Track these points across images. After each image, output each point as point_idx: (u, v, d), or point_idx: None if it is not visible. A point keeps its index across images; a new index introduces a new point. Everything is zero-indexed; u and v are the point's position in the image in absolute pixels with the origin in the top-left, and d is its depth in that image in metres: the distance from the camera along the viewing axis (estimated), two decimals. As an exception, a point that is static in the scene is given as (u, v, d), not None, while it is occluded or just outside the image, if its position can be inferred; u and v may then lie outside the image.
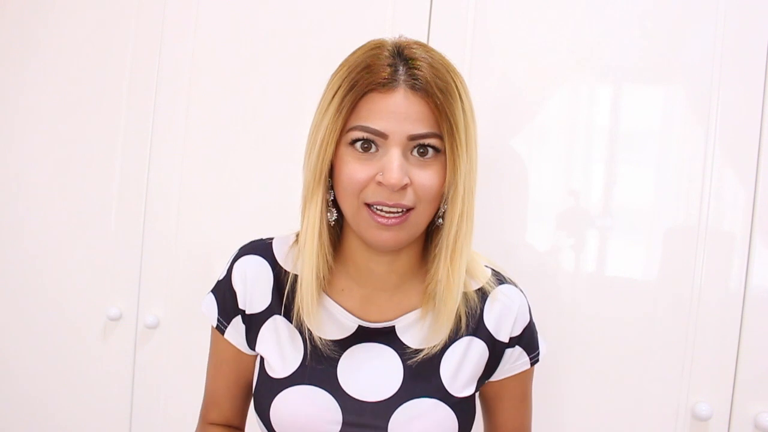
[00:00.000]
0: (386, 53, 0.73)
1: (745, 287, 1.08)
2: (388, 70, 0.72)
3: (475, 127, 0.77)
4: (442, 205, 0.78)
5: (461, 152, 0.74)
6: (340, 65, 0.77)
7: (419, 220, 0.76)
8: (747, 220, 1.08)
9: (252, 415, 0.89)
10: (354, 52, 0.77)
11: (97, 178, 1.37)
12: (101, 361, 1.36)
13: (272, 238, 0.87)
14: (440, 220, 0.79)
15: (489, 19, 1.18)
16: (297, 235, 0.86)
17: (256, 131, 1.29)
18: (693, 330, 1.10)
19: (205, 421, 0.89)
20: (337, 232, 0.82)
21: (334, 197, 0.78)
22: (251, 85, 1.29)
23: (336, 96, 0.74)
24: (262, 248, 0.86)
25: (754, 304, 1.07)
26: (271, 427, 0.79)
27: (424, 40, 1.19)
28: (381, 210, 0.73)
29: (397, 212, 0.73)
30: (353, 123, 0.73)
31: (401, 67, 0.72)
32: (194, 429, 0.91)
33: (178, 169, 1.32)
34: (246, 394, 0.89)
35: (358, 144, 0.73)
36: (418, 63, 0.72)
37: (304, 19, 1.26)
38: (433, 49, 0.76)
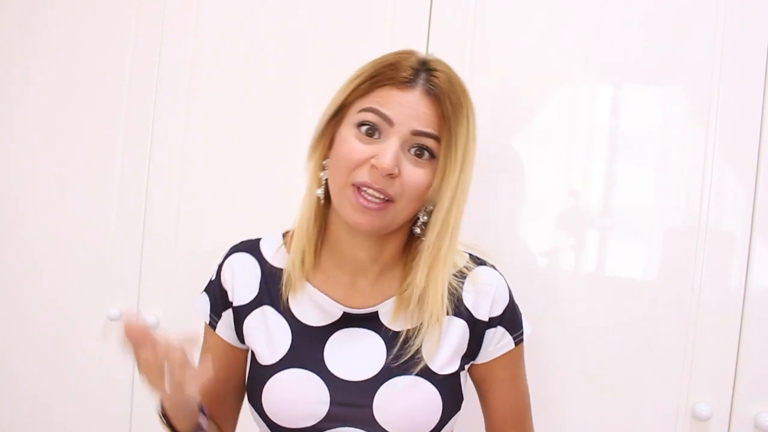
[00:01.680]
0: (413, 59, 0.80)
1: (745, 287, 1.08)
2: (410, 71, 0.78)
3: (474, 155, 0.82)
4: (421, 214, 0.82)
5: (455, 167, 0.78)
6: (368, 62, 0.83)
7: (398, 214, 0.79)
8: (747, 219, 1.08)
9: (244, 413, 0.90)
10: (384, 54, 0.83)
11: (97, 178, 1.37)
12: (101, 361, 1.36)
13: (260, 238, 0.92)
14: (417, 230, 0.83)
15: (489, 19, 1.18)
16: (284, 235, 0.91)
17: (256, 131, 1.29)
18: (693, 330, 1.10)
19: None
20: (324, 216, 0.86)
21: (327, 179, 0.83)
22: (251, 85, 1.29)
23: (356, 79, 0.81)
24: (250, 246, 0.91)
25: (755, 304, 1.07)
26: (264, 413, 0.82)
27: (424, 40, 1.19)
28: (366, 191, 0.77)
29: (379, 198, 0.77)
30: (365, 105, 0.78)
31: (422, 74, 0.79)
32: None
33: (178, 169, 1.32)
34: (229, 393, 0.91)
35: (364, 128, 0.78)
36: (438, 74, 0.79)
37: (303, 19, 1.26)
38: (456, 73, 0.82)
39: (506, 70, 1.18)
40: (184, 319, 1.31)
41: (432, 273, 0.81)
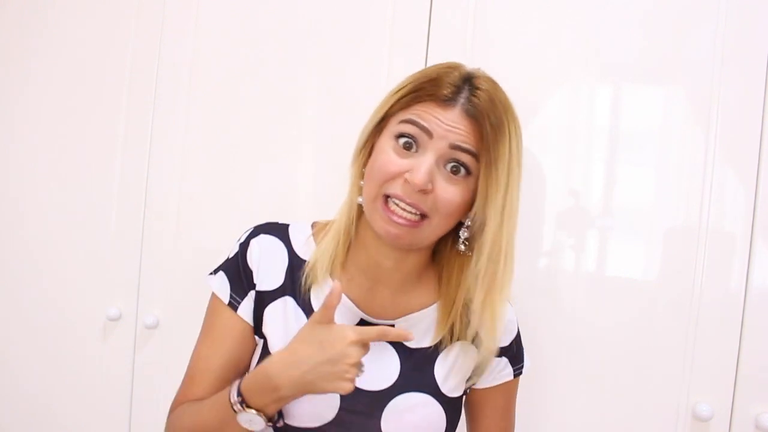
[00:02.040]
0: (456, 74, 0.79)
1: (745, 287, 1.08)
2: (452, 89, 0.77)
3: (519, 176, 0.80)
4: (462, 231, 0.81)
5: (499, 187, 0.77)
6: (413, 73, 0.82)
7: (429, 232, 0.79)
8: (748, 219, 1.08)
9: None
10: (429, 66, 0.83)
11: (97, 178, 1.36)
12: (101, 361, 1.36)
13: (288, 224, 0.89)
14: (462, 247, 0.82)
15: (489, 19, 1.18)
16: (313, 225, 0.89)
17: (256, 131, 1.29)
18: (693, 330, 1.09)
19: (184, 399, 0.86)
20: (358, 221, 0.85)
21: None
22: (251, 85, 1.29)
23: (398, 92, 0.80)
24: (278, 230, 0.88)
25: (755, 305, 1.07)
26: None
27: (424, 40, 1.19)
28: (398, 205, 0.76)
29: (413, 214, 0.76)
30: (405, 117, 0.78)
31: (464, 92, 0.77)
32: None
33: (178, 169, 1.32)
34: (240, 374, 0.87)
35: (402, 140, 0.77)
36: (479, 93, 0.77)
37: (303, 19, 1.26)
38: (500, 89, 0.81)
39: (506, 70, 1.17)
40: (183, 320, 1.31)
41: (488, 299, 0.80)
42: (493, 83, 0.81)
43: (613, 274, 1.15)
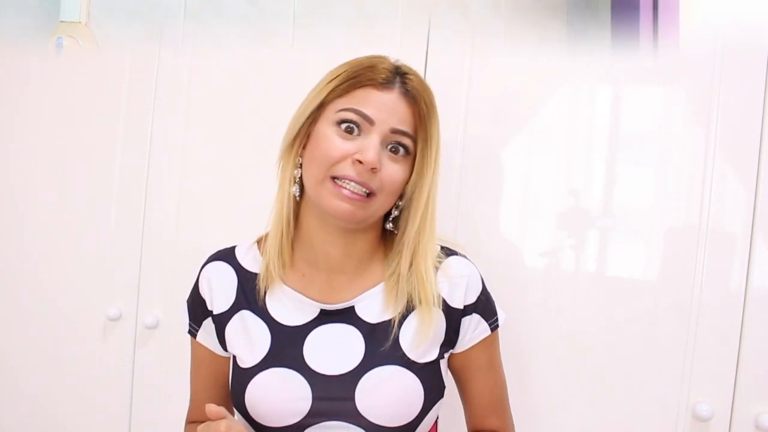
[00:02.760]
0: (387, 63, 0.85)
1: (746, 287, 1.08)
2: (388, 73, 0.83)
3: (440, 151, 0.87)
4: (393, 210, 0.86)
5: (431, 163, 0.84)
6: (342, 64, 0.86)
7: (376, 207, 0.83)
8: (748, 220, 1.08)
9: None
10: (357, 58, 0.86)
11: (97, 179, 1.37)
12: (101, 361, 1.36)
13: (235, 246, 0.94)
14: (389, 225, 0.87)
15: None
16: (258, 241, 0.93)
17: (256, 131, 1.28)
18: (693, 330, 1.09)
19: (189, 421, 0.97)
20: (297, 215, 0.88)
21: (301, 176, 0.86)
22: (251, 85, 1.29)
23: (333, 80, 0.83)
24: (225, 254, 0.93)
25: (755, 305, 1.07)
26: (248, 414, 0.83)
27: (424, 40, 1.19)
28: (347, 184, 0.80)
29: (362, 192, 0.80)
30: (346, 105, 0.82)
31: (398, 78, 0.84)
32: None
33: (178, 169, 1.32)
34: (226, 393, 0.92)
35: (344, 125, 0.81)
36: (411, 77, 0.84)
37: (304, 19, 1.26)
38: (423, 78, 0.87)
39: (507, 70, 1.18)
40: (183, 320, 1.31)
41: (416, 261, 0.85)
42: (417, 72, 0.86)
43: (614, 274, 1.14)
